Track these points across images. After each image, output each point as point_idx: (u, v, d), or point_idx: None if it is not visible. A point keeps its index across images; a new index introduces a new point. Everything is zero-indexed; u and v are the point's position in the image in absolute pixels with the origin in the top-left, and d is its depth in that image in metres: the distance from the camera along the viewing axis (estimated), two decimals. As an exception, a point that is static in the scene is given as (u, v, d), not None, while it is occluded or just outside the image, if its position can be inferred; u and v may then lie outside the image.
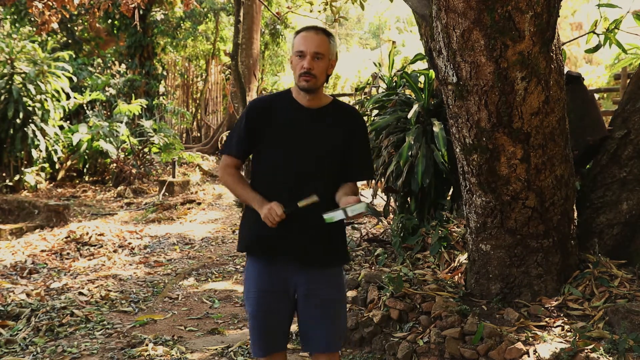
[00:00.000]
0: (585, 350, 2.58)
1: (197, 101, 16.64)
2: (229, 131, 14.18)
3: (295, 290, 2.14)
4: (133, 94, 11.80)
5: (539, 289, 3.20)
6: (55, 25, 8.85)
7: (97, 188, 9.79)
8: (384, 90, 5.46)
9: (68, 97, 9.72)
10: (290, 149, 2.05)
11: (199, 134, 16.44)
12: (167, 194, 9.36)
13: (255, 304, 2.13)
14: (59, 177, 9.81)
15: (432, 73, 4.61)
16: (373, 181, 5.15)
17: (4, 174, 8.89)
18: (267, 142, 2.09)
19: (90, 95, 10.36)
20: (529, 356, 2.63)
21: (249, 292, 2.16)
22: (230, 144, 2.16)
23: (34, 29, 10.54)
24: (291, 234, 2.06)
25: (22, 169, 8.96)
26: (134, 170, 9.96)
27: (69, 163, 9.88)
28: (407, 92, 5.23)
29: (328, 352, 2.14)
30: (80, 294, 4.52)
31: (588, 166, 3.81)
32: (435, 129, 4.42)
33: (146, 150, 10.50)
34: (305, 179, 2.04)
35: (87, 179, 10.17)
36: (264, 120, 2.10)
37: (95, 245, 6.20)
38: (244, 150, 2.14)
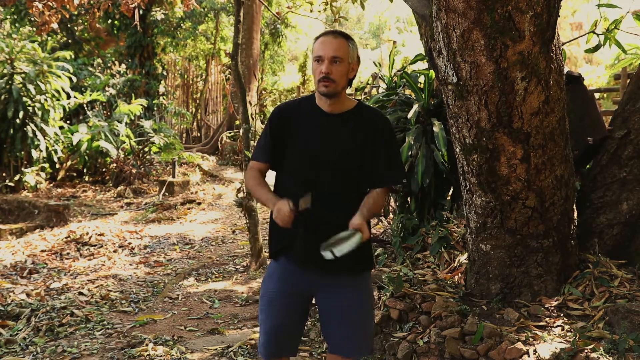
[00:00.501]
0: (585, 350, 2.58)
1: (197, 101, 16.64)
2: (229, 131, 14.22)
3: (312, 293, 2.14)
4: (133, 94, 11.80)
5: (539, 289, 3.20)
6: (55, 25, 8.86)
7: (97, 188, 9.79)
8: (384, 90, 5.46)
9: (68, 96, 9.72)
10: (310, 154, 2.04)
11: (199, 134, 16.44)
12: (167, 194, 9.36)
13: (268, 303, 2.13)
14: (59, 177, 9.81)
15: (432, 73, 4.60)
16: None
17: (4, 174, 8.89)
18: (288, 147, 2.09)
19: (90, 95, 10.36)
20: (529, 356, 2.63)
21: (265, 292, 2.16)
22: (257, 150, 2.18)
23: (34, 29, 10.55)
24: (316, 242, 2.01)
25: (22, 169, 8.97)
26: (134, 170, 9.96)
27: (69, 163, 9.88)
28: (407, 92, 5.23)
29: (352, 357, 2.14)
30: (80, 294, 4.52)
31: (588, 166, 3.81)
32: (435, 129, 4.42)
33: (146, 150, 10.50)
34: (324, 184, 2.03)
35: (87, 179, 10.18)
36: (286, 125, 2.10)
37: (95, 245, 6.21)
38: (267, 154, 2.13)
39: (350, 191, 2.06)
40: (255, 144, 2.23)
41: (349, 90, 2.25)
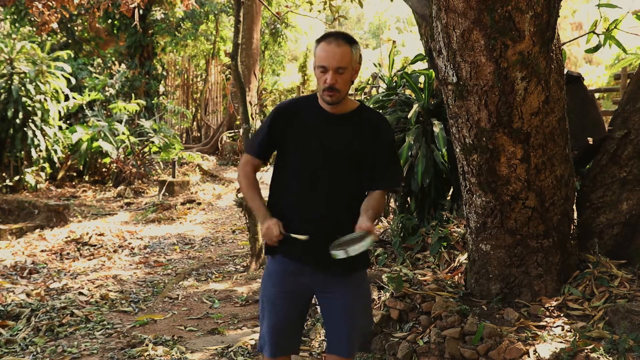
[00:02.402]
0: (585, 350, 2.58)
1: (197, 101, 16.64)
2: (229, 131, 14.22)
3: (312, 292, 2.15)
4: (133, 94, 11.80)
5: (539, 289, 3.20)
6: (55, 25, 8.86)
7: (97, 188, 9.80)
8: (384, 90, 5.46)
9: (67, 98, 9.72)
10: (308, 154, 2.04)
11: (199, 134, 16.44)
12: (167, 194, 9.35)
13: (270, 302, 2.13)
14: (59, 177, 9.81)
15: (432, 73, 4.60)
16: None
17: (4, 174, 8.89)
18: (287, 146, 2.09)
19: (89, 95, 10.36)
20: (529, 356, 2.63)
21: (265, 291, 2.17)
22: (253, 143, 2.17)
23: (34, 29, 10.54)
24: (313, 240, 2.04)
25: (22, 169, 8.96)
26: (134, 170, 9.96)
27: (68, 163, 9.89)
28: (407, 92, 5.23)
29: (345, 356, 2.14)
30: (80, 294, 4.52)
31: (588, 166, 3.81)
32: (435, 129, 4.42)
33: (146, 150, 10.50)
34: (321, 184, 2.03)
35: (87, 179, 10.18)
36: (287, 123, 2.09)
37: (95, 246, 6.21)
38: (264, 150, 2.14)
39: (350, 192, 2.06)
40: (250, 140, 2.22)
41: (349, 90, 2.24)
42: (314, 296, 2.18)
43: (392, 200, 5.06)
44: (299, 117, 2.09)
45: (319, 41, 2.04)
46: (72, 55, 11.35)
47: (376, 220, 2.02)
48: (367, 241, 1.87)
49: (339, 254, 1.87)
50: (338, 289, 2.11)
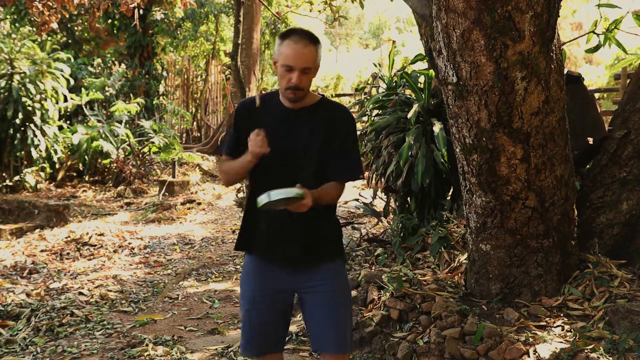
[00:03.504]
0: (585, 350, 2.58)
1: (197, 101, 16.63)
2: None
3: (294, 290, 2.15)
4: (132, 94, 11.80)
5: (539, 289, 3.20)
6: (55, 25, 8.86)
7: (97, 188, 9.79)
8: (384, 90, 5.46)
9: (65, 99, 9.72)
10: (272, 149, 2.02)
11: (199, 134, 16.43)
12: (167, 194, 9.35)
13: (249, 302, 2.14)
14: (59, 177, 9.81)
15: (432, 73, 4.61)
16: (373, 181, 5.15)
17: (4, 174, 8.89)
18: None
19: (87, 95, 10.35)
20: (529, 356, 2.63)
21: (244, 292, 2.18)
22: (225, 144, 2.21)
23: (34, 29, 10.55)
24: (283, 234, 2.08)
25: (22, 169, 8.96)
26: (134, 170, 9.95)
27: (68, 163, 9.89)
28: (407, 92, 5.23)
29: (338, 353, 2.13)
30: (80, 294, 4.52)
31: (588, 166, 3.81)
32: (435, 129, 4.42)
33: (145, 150, 10.50)
34: (286, 177, 2.02)
35: (87, 179, 10.17)
36: (249, 120, 2.10)
37: (95, 246, 6.20)
38: (234, 148, 2.15)
39: (313, 186, 2.04)
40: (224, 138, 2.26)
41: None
42: (296, 295, 2.18)
43: (392, 200, 5.06)
44: (261, 114, 2.09)
45: (283, 38, 2.02)
46: (72, 56, 11.34)
47: (319, 202, 1.99)
48: (292, 190, 1.88)
49: (263, 197, 1.88)
50: (314, 285, 2.11)
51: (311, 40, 2.01)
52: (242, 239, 2.21)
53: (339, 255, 2.20)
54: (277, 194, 1.87)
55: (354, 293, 3.64)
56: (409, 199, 4.78)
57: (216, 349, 3.46)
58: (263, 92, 2.06)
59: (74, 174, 10.14)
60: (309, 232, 2.09)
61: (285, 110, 2.10)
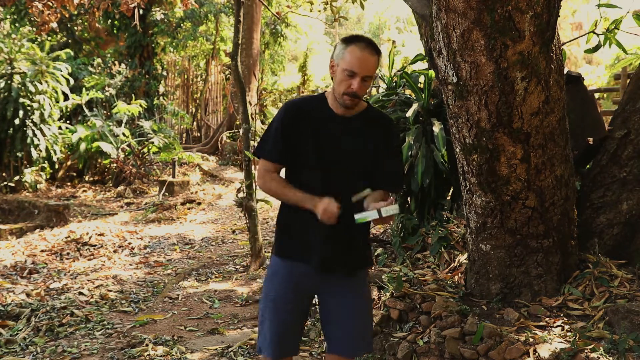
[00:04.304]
0: (585, 350, 2.58)
1: (197, 101, 16.63)
2: (229, 131, 14.22)
3: (316, 293, 2.16)
4: (133, 95, 11.80)
5: (539, 289, 3.20)
6: (54, 25, 8.86)
7: (97, 188, 9.80)
8: (384, 90, 5.46)
9: (66, 98, 9.72)
10: (320, 155, 2.03)
11: (199, 134, 16.43)
12: (167, 194, 9.36)
13: (274, 303, 2.13)
14: (59, 177, 9.82)
15: (432, 73, 4.60)
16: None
17: (4, 174, 8.90)
18: (299, 148, 2.07)
19: (87, 94, 10.35)
20: (529, 356, 2.63)
21: (270, 292, 2.16)
22: (267, 148, 2.11)
23: (34, 29, 10.54)
24: (316, 242, 2.06)
25: (22, 169, 8.96)
26: (134, 170, 9.95)
27: (68, 163, 9.89)
28: (407, 92, 5.23)
29: (353, 356, 2.16)
30: (80, 294, 4.52)
31: (588, 166, 3.81)
32: (435, 129, 4.42)
33: (145, 150, 10.50)
34: (334, 186, 2.02)
35: (87, 179, 10.18)
36: (297, 125, 2.07)
37: (95, 246, 6.21)
38: (281, 154, 2.09)
39: (358, 192, 2.04)
40: (262, 141, 2.15)
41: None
42: (315, 297, 2.19)
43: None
44: (308, 118, 2.07)
45: (348, 43, 1.99)
46: (72, 55, 11.33)
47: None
48: (396, 206, 1.89)
49: (371, 214, 1.87)
50: (341, 289, 2.12)
51: (376, 50, 2.01)
52: (281, 244, 2.16)
53: (371, 262, 2.25)
54: (387, 211, 1.87)
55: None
56: (409, 199, 4.78)
57: (216, 349, 3.46)
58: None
59: (74, 174, 10.14)
60: (353, 241, 2.10)
61: (335, 117, 2.08)
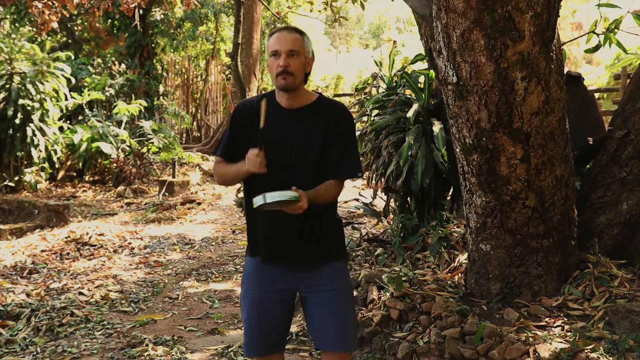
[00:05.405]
0: (585, 350, 2.58)
1: (197, 101, 16.63)
2: (228, 131, 14.22)
3: (295, 289, 2.15)
4: (133, 95, 11.80)
5: (539, 289, 3.20)
6: (55, 25, 8.85)
7: (97, 188, 9.79)
8: (384, 90, 5.46)
9: (66, 97, 9.72)
10: (269, 151, 2.01)
11: (199, 134, 16.43)
12: (167, 194, 9.36)
13: (251, 303, 2.14)
14: (59, 177, 9.81)
15: (432, 73, 4.61)
16: (373, 181, 5.15)
17: (4, 174, 8.90)
18: (251, 144, 2.06)
19: (89, 95, 10.35)
20: (529, 356, 2.63)
21: (246, 292, 2.17)
22: (219, 145, 2.20)
23: (34, 29, 10.54)
24: (282, 235, 2.08)
25: (22, 169, 8.97)
26: (134, 171, 9.95)
27: (68, 163, 9.89)
28: (407, 92, 5.23)
29: (339, 351, 2.13)
30: (80, 294, 4.52)
31: (588, 166, 3.81)
32: (435, 129, 4.42)
33: (145, 150, 10.50)
34: (285, 181, 2.00)
35: (87, 179, 10.18)
36: (246, 123, 2.10)
37: (95, 246, 6.20)
38: (230, 151, 2.14)
39: (311, 185, 2.04)
40: (219, 142, 2.25)
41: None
42: (298, 294, 2.18)
43: (392, 200, 5.06)
44: (256, 114, 2.07)
45: (270, 34, 2.09)
46: (72, 56, 11.34)
47: (316, 202, 2.00)
48: (287, 193, 1.88)
49: (258, 199, 1.88)
50: (321, 286, 2.11)
51: (295, 30, 2.08)
52: (251, 242, 2.19)
53: (340, 254, 2.20)
54: (272, 197, 1.87)
55: (354, 293, 3.64)
56: (409, 199, 4.78)
57: (216, 349, 3.46)
58: (264, 100, 2.04)
59: (74, 174, 10.14)
60: (309, 232, 2.08)
61: (282, 110, 2.09)
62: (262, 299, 2.12)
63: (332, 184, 2.09)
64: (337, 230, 2.21)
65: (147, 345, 3.50)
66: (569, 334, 2.81)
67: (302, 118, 2.08)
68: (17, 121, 8.70)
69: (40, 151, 8.97)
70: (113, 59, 13.43)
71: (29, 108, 8.83)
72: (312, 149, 2.07)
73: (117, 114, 10.35)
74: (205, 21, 14.89)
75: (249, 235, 2.20)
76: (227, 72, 15.96)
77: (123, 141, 10.03)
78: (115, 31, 13.20)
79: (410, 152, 4.43)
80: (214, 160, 2.11)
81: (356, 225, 6.24)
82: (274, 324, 2.14)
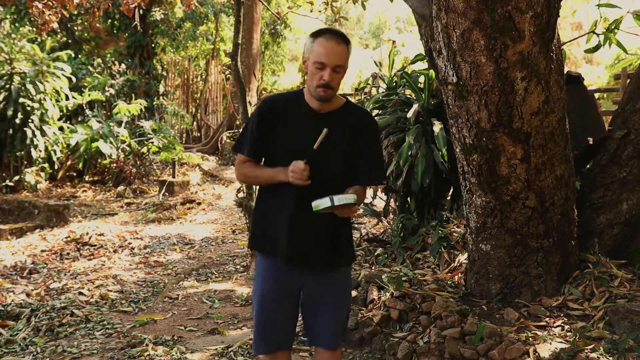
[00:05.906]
0: (585, 350, 2.58)
1: (197, 101, 16.63)
2: (229, 131, 14.21)
3: (301, 288, 2.16)
4: (133, 95, 11.80)
5: (539, 289, 3.20)
6: (55, 25, 8.86)
7: (97, 188, 9.79)
8: (384, 90, 5.46)
9: (67, 97, 9.72)
10: (296, 153, 2.02)
11: (199, 134, 16.43)
12: (167, 194, 9.35)
13: (262, 300, 2.15)
14: (59, 177, 9.81)
15: (432, 73, 4.61)
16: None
17: (4, 174, 8.89)
18: (278, 144, 2.08)
19: (89, 95, 10.35)
20: (529, 356, 2.63)
21: (258, 289, 2.18)
22: (244, 142, 2.14)
23: (34, 29, 10.54)
24: (296, 237, 2.07)
25: (22, 169, 8.96)
26: (134, 171, 9.95)
27: (68, 163, 9.88)
28: (407, 92, 5.23)
29: (335, 349, 2.17)
30: (80, 294, 4.52)
31: (588, 166, 3.81)
32: (435, 129, 4.42)
33: (145, 150, 10.50)
34: (313, 181, 2.01)
35: (87, 179, 10.17)
36: (276, 121, 2.08)
37: (95, 246, 6.20)
38: (257, 149, 2.12)
39: (337, 189, 2.04)
40: (240, 137, 2.18)
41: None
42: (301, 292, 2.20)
43: (392, 200, 5.06)
44: (289, 114, 2.07)
45: (316, 36, 2.02)
46: (72, 55, 11.33)
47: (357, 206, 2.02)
48: (351, 197, 1.88)
49: (324, 202, 1.87)
50: (325, 289, 2.14)
51: (343, 39, 2.02)
52: (256, 236, 2.19)
53: (353, 259, 2.25)
54: (339, 200, 1.86)
55: (354, 293, 3.64)
56: (409, 199, 4.78)
57: (216, 349, 3.46)
58: (325, 130, 1.99)
59: (74, 174, 10.14)
60: (332, 236, 2.10)
61: (312, 113, 2.08)
62: (273, 296, 2.13)
63: (362, 188, 2.11)
64: (350, 235, 2.24)
65: (147, 345, 3.49)
66: (569, 334, 2.81)
67: (333, 121, 2.07)
68: (17, 121, 8.69)
69: (40, 151, 8.97)
70: (113, 59, 13.43)
71: (29, 108, 8.82)
72: (339, 152, 2.07)
73: (117, 114, 10.34)
74: (205, 21, 14.89)
75: (260, 232, 2.18)
76: (227, 72, 15.96)
77: (123, 141, 10.03)
78: (115, 31, 13.20)
79: (410, 152, 4.43)
80: (235, 158, 2.06)
81: (356, 225, 6.24)
82: (283, 321, 2.16)
